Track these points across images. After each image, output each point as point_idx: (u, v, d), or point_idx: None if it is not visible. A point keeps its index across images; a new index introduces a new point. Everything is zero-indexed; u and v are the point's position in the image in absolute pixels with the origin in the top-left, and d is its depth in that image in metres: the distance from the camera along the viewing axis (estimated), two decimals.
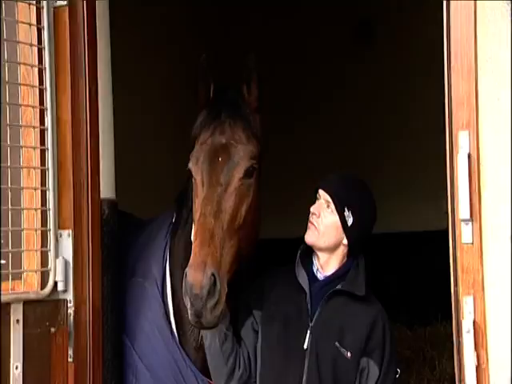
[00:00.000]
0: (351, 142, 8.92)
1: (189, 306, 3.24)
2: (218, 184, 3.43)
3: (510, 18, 2.86)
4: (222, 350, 3.47)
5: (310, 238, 3.51)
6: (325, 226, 3.49)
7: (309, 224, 3.52)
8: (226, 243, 3.35)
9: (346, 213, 3.47)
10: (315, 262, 3.56)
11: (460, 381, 2.91)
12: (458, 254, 2.93)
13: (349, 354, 3.40)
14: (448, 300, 2.99)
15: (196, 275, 3.20)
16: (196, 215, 3.43)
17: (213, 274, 3.21)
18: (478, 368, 2.85)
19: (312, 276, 3.54)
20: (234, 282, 3.40)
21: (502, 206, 2.87)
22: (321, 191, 3.54)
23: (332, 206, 3.48)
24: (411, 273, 8.46)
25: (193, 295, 3.20)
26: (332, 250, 3.52)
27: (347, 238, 3.50)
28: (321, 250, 3.53)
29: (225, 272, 3.31)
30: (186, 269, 3.26)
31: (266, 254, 3.78)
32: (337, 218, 3.48)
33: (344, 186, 3.55)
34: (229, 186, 3.45)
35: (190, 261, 3.28)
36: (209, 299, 3.20)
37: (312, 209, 3.52)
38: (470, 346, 2.86)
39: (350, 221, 3.48)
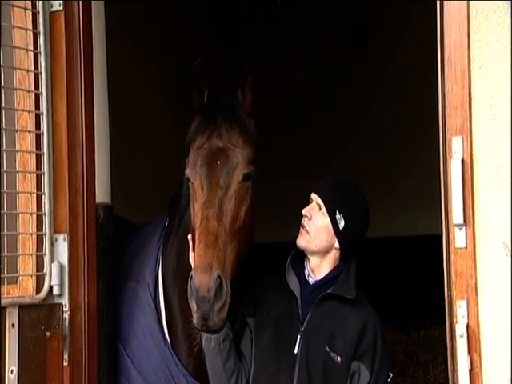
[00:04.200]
0: (348, 148, 8.95)
1: (195, 309, 3.20)
2: (218, 187, 3.42)
3: (508, 23, 2.88)
4: (224, 369, 3.46)
5: (302, 242, 3.51)
6: (316, 229, 3.49)
7: (300, 229, 3.52)
8: (229, 246, 3.35)
9: (338, 216, 3.48)
10: (306, 266, 3.57)
11: None
12: (452, 259, 2.94)
13: (339, 359, 3.39)
14: (442, 304, 3.01)
15: (203, 277, 3.18)
16: (197, 219, 3.41)
17: (219, 276, 3.20)
18: (471, 372, 2.87)
19: (303, 280, 3.55)
20: (233, 285, 3.39)
21: (495, 210, 2.89)
22: (313, 194, 3.55)
23: (324, 209, 3.49)
24: (405, 277, 8.47)
25: (199, 298, 3.16)
26: (324, 253, 3.53)
27: (339, 241, 3.51)
28: (313, 253, 3.53)
29: (228, 275, 3.30)
30: (191, 272, 3.24)
31: (260, 258, 3.78)
32: (328, 221, 3.48)
33: (336, 190, 3.55)
34: (229, 189, 3.44)
35: (196, 263, 3.26)
36: (216, 301, 3.18)
37: (304, 211, 3.53)
38: (464, 350, 2.87)
39: (341, 224, 3.48)
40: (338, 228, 3.48)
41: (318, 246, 3.50)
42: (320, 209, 3.50)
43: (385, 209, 8.08)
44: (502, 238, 2.86)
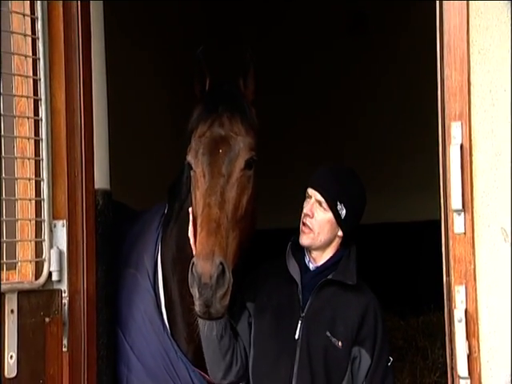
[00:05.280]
0: (347, 135, 8.95)
1: (197, 297, 3.20)
2: (220, 175, 3.43)
3: (507, 8, 2.87)
4: (219, 346, 3.46)
5: (306, 240, 3.51)
6: (319, 225, 3.49)
7: (302, 227, 3.51)
8: (231, 234, 3.35)
9: (339, 207, 3.48)
10: (307, 252, 3.58)
11: (452, 370, 2.93)
12: (451, 244, 2.95)
13: (340, 344, 3.41)
14: (440, 290, 3.02)
15: (205, 264, 3.18)
16: (199, 206, 3.42)
17: (221, 263, 3.20)
18: (469, 357, 2.87)
19: (304, 266, 3.56)
20: (234, 273, 3.39)
21: (494, 196, 2.89)
22: (311, 190, 3.53)
23: (324, 204, 3.48)
24: (404, 263, 8.49)
25: (202, 285, 3.16)
26: (327, 244, 3.54)
27: (342, 230, 3.52)
28: (317, 248, 3.54)
29: (230, 262, 3.30)
30: (193, 259, 3.24)
31: (260, 245, 3.79)
32: (330, 214, 3.48)
33: (333, 181, 3.54)
34: (231, 177, 3.44)
35: (198, 251, 3.26)
36: (218, 288, 3.18)
37: (305, 210, 3.51)
38: (462, 335, 2.88)
39: (343, 214, 3.48)
40: (341, 218, 3.49)
41: (323, 240, 3.51)
42: (320, 204, 3.49)
43: (384, 195, 8.10)
44: (500, 224, 2.87)
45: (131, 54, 7.22)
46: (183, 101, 3.80)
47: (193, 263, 3.23)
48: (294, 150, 8.85)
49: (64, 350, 3.51)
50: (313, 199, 3.51)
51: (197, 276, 3.18)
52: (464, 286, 2.91)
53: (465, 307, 2.90)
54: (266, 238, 3.72)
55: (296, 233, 3.57)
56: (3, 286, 3.27)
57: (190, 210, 3.52)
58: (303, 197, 3.57)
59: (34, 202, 3.47)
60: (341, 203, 3.48)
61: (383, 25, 8.89)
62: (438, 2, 3.01)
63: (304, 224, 3.50)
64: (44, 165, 3.49)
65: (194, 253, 3.32)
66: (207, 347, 3.51)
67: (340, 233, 3.53)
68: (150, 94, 7.76)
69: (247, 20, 8.99)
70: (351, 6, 8.97)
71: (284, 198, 7.01)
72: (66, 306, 3.52)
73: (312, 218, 3.49)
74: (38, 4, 3.48)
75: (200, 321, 3.40)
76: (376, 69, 8.93)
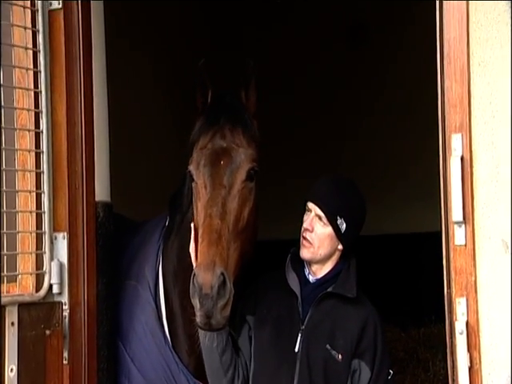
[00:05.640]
0: (347, 147, 8.95)
1: (198, 307, 3.19)
2: (221, 186, 3.43)
3: (507, 20, 2.88)
4: (221, 363, 3.45)
5: (306, 254, 3.50)
6: (319, 239, 3.48)
7: (303, 241, 3.50)
8: (232, 244, 3.35)
9: (339, 221, 3.47)
10: (306, 264, 3.57)
11: (453, 382, 2.92)
12: (451, 256, 2.94)
13: (340, 357, 3.40)
14: (441, 301, 3.01)
15: (206, 275, 3.17)
16: (200, 217, 3.42)
17: (222, 274, 3.19)
18: (470, 369, 2.87)
19: (303, 279, 3.55)
20: (235, 284, 3.38)
21: (495, 208, 2.89)
22: (310, 204, 3.52)
23: (324, 219, 3.47)
24: (405, 274, 8.48)
25: (202, 295, 3.16)
26: (328, 258, 3.54)
27: (342, 243, 3.52)
28: (317, 262, 3.54)
29: (231, 273, 3.30)
30: (194, 270, 3.23)
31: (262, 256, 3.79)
32: (330, 228, 3.48)
33: (332, 194, 3.52)
34: (232, 189, 3.45)
35: (199, 261, 3.26)
36: (219, 299, 3.17)
37: (305, 225, 3.50)
38: (463, 348, 2.87)
39: (343, 227, 3.48)
40: (341, 232, 3.48)
41: (323, 254, 3.51)
42: (320, 219, 3.48)
43: (384, 206, 8.10)
44: (501, 235, 2.86)
45: (132, 60, 7.24)
46: (184, 107, 3.80)
47: (194, 274, 3.22)
48: (293, 159, 8.85)
49: (64, 362, 3.51)
50: (313, 213, 3.50)
51: (198, 286, 3.18)
52: (465, 298, 2.90)
53: (466, 319, 2.89)
54: (267, 249, 3.71)
55: (296, 245, 3.57)
56: (4, 299, 3.26)
57: (192, 225, 3.52)
58: (303, 209, 3.57)
59: (34, 214, 3.47)
60: (341, 217, 3.47)
61: (383, 36, 8.90)
62: (438, 14, 3.01)
63: (304, 238, 3.50)
64: (45, 177, 3.49)
65: (194, 266, 3.32)
66: (209, 363, 3.50)
67: (340, 246, 3.52)
68: (150, 98, 7.77)
69: (247, 28, 9.01)
70: (351, 17, 8.99)
71: (283, 208, 7.02)
72: (67, 319, 3.52)
73: (312, 232, 3.48)
74: (39, 17, 3.50)
75: (201, 332, 3.39)
76: (376, 81, 8.93)
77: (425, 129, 5.43)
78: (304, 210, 3.56)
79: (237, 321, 3.56)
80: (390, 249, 8.55)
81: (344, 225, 3.47)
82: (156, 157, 7.60)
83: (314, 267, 3.55)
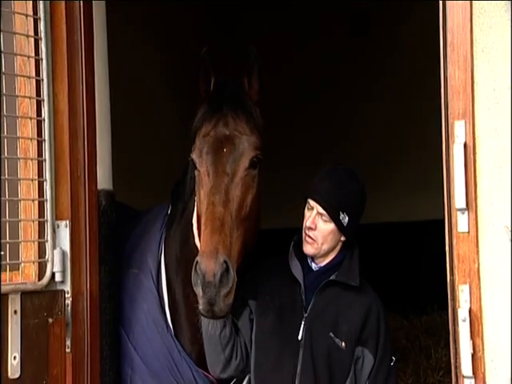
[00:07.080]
0: (348, 134, 8.94)
1: (201, 295, 3.20)
2: (224, 174, 3.43)
3: (509, 7, 2.86)
4: (220, 338, 3.46)
5: (310, 250, 3.50)
6: (323, 236, 3.47)
7: (306, 237, 3.49)
8: (235, 232, 3.35)
9: (341, 216, 3.45)
10: None
11: (456, 369, 2.92)
12: (454, 243, 2.94)
13: (343, 344, 3.41)
14: (443, 289, 3.01)
15: (209, 263, 3.17)
16: (203, 205, 3.42)
17: (225, 261, 3.19)
18: (473, 356, 2.87)
19: (306, 266, 3.55)
20: (238, 272, 3.37)
21: (498, 194, 2.88)
22: (312, 201, 3.50)
23: (326, 216, 3.46)
24: (407, 263, 8.48)
25: (206, 283, 3.16)
26: (331, 250, 3.54)
27: (345, 235, 3.51)
28: (321, 255, 3.54)
29: (234, 261, 3.30)
30: (197, 258, 3.23)
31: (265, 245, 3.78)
32: (333, 225, 3.47)
33: (333, 190, 3.49)
34: (235, 176, 3.44)
35: (201, 249, 3.26)
36: (222, 287, 3.17)
37: (308, 223, 3.48)
38: (466, 335, 2.87)
39: (345, 222, 3.46)
40: (343, 226, 3.47)
41: (327, 249, 3.51)
42: (322, 216, 3.47)
43: (386, 194, 8.10)
44: (504, 222, 2.86)
45: (134, 47, 7.23)
46: (188, 96, 3.79)
47: (196, 261, 3.22)
48: (285, 148, 8.84)
49: (67, 350, 3.51)
50: (315, 211, 3.48)
51: (201, 274, 3.18)
52: (468, 285, 2.90)
53: (469, 306, 2.89)
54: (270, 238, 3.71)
55: (298, 232, 3.57)
56: (6, 287, 3.27)
57: (195, 213, 3.53)
58: (304, 202, 3.55)
59: (36, 202, 3.47)
60: (343, 212, 3.45)
61: (385, 25, 8.88)
62: (441, 1, 3.00)
63: (307, 234, 3.49)
64: (47, 165, 3.49)
65: (198, 249, 3.31)
66: (208, 342, 3.51)
67: (343, 238, 3.52)
68: (154, 89, 7.77)
69: (247, 20, 8.99)
70: (352, 6, 8.96)
71: (285, 197, 7.02)
72: (69, 307, 3.52)
73: (315, 229, 3.48)
74: (41, 4, 3.48)
75: (203, 319, 3.40)
76: (377, 68, 8.92)
77: (428, 116, 5.43)
78: (305, 204, 3.55)
79: (237, 303, 3.56)
80: (392, 237, 8.55)
81: (346, 218, 3.46)
82: (160, 144, 7.60)
83: (318, 259, 3.55)
